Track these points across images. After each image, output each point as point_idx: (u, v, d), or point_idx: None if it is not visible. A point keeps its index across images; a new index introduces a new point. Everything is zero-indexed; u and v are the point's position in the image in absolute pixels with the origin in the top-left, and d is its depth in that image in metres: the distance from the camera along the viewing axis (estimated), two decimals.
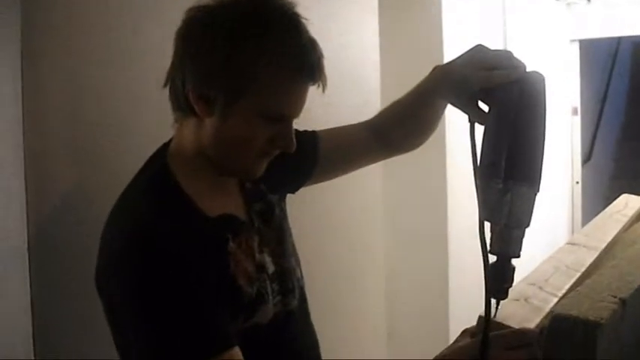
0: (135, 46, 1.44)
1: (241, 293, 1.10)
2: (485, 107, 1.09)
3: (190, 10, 1.08)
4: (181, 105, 1.09)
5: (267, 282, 1.15)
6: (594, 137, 5.58)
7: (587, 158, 5.20)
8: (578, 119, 4.33)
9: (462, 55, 1.15)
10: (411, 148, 1.44)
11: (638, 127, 6.77)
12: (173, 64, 1.10)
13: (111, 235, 1.07)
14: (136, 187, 1.13)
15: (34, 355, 1.25)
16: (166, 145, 1.18)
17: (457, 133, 2.61)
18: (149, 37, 1.45)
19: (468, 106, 1.10)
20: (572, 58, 4.12)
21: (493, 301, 0.98)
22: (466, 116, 1.09)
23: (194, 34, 1.07)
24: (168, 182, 1.10)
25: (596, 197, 5.49)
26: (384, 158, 1.52)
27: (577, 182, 4.31)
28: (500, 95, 1.03)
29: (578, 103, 4.31)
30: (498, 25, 3.30)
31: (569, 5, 3.94)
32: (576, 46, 4.12)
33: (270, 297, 1.14)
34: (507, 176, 0.97)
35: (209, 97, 1.05)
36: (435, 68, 1.23)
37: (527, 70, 1.05)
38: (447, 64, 1.19)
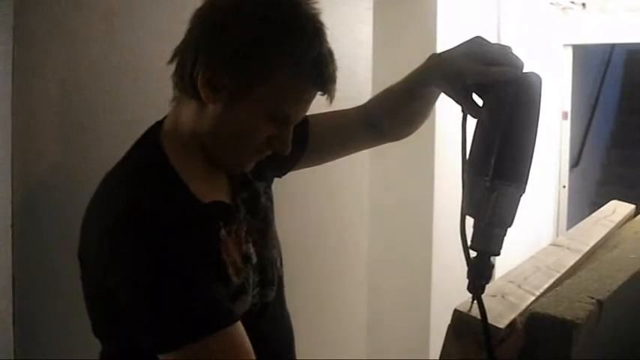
0: (131, 27, 1.43)
1: (229, 283, 1.08)
2: (479, 100, 1.08)
3: None
4: (186, 86, 1.07)
5: (251, 273, 1.15)
6: (583, 143, 5.62)
7: (575, 163, 5.24)
8: (568, 124, 4.36)
9: (459, 46, 1.13)
10: (402, 137, 1.43)
11: (626, 135, 6.83)
12: (185, 42, 1.08)
13: (101, 211, 1.05)
14: (128, 165, 1.11)
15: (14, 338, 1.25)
16: (159, 124, 1.16)
17: (447, 126, 2.62)
18: (146, 20, 1.45)
19: (461, 99, 1.08)
20: (565, 63, 4.14)
21: (470, 295, 0.99)
22: (458, 107, 1.09)
23: (217, 18, 1.05)
24: (161, 162, 1.09)
25: (582, 202, 5.54)
26: (374, 145, 1.51)
27: (564, 186, 4.33)
28: (495, 92, 1.02)
29: (568, 108, 4.33)
30: (493, 25, 3.32)
31: (564, 10, 3.96)
32: (570, 51, 4.15)
33: (250, 288, 1.14)
34: (495, 175, 0.97)
35: (219, 84, 1.04)
36: (431, 57, 1.21)
37: (525, 69, 1.04)
38: (444, 53, 1.17)
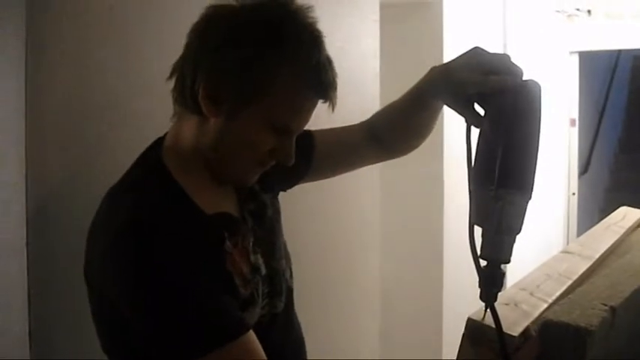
0: (141, 37, 1.44)
1: (236, 294, 1.09)
2: (481, 110, 1.08)
3: (211, 7, 1.07)
4: (187, 100, 1.07)
5: (260, 284, 1.15)
6: (592, 149, 5.60)
7: (584, 170, 5.23)
8: (575, 131, 4.35)
9: (460, 57, 1.14)
10: (407, 151, 1.44)
11: (635, 140, 6.80)
12: (184, 57, 1.09)
13: (103, 228, 1.05)
14: (129, 182, 1.11)
15: (30, 344, 1.26)
16: (160, 140, 1.16)
17: (455, 137, 2.63)
18: (155, 28, 1.45)
19: (463, 109, 1.09)
20: (572, 70, 4.14)
21: (483, 304, 0.99)
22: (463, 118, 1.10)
23: (214, 32, 1.06)
24: (163, 176, 1.09)
25: (592, 209, 5.52)
26: (380, 161, 1.52)
27: (573, 193, 4.32)
28: (495, 101, 1.03)
29: (576, 115, 4.32)
30: (499, 34, 3.32)
31: (570, 17, 3.96)
32: (576, 58, 4.15)
33: (260, 299, 1.14)
34: (500, 184, 0.97)
35: (219, 97, 1.04)
36: (432, 69, 1.22)
37: (524, 77, 1.05)
38: (445, 65, 1.18)
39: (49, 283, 1.29)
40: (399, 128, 1.37)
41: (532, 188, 0.99)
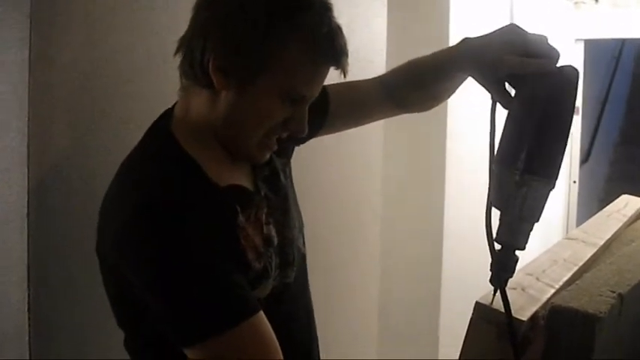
0: (148, 16, 1.42)
1: (249, 268, 1.08)
2: (511, 90, 1.05)
3: None
4: (196, 74, 1.06)
5: (273, 256, 1.14)
6: (593, 138, 5.59)
7: (584, 159, 5.22)
8: (579, 119, 4.33)
9: (495, 33, 1.10)
10: (422, 110, 1.42)
11: (636, 131, 6.79)
12: (192, 30, 1.07)
13: (117, 205, 1.04)
14: (141, 157, 1.10)
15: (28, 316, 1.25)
16: (169, 111, 1.15)
17: (458, 123, 2.62)
18: (166, 9, 1.44)
19: (494, 88, 1.06)
20: (577, 58, 4.11)
21: (492, 288, 0.98)
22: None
23: (223, 1, 1.04)
24: (174, 150, 1.08)
25: (591, 198, 5.52)
26: (394, 115, 1.49)
27: (574, 182, 4.31)
28: (530, 85, 1.00)
29: (579, 103, 4.30)
30: (505, 20, 3.30)
31: (576, 4, 3.93)
32: (581, 46, 4.12)
33: (273, 272, 1.13)
34: (526, 169, 0.95)
35: (231, 68, 1.03)
36: (465, 40, 1.18)
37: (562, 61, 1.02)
38: (478, 39, 1.14)
39: (49, 253, 1.28)
40: (418, 90, 1.35)
41: (557, 177, 0.97)
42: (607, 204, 1.74)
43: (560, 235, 3.99)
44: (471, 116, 2.27)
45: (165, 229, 0.96)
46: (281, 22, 1.01)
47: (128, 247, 0.99)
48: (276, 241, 1.15)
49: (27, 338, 1.24)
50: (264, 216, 1.14)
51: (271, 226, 1.15)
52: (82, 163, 1.34)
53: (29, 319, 1.25)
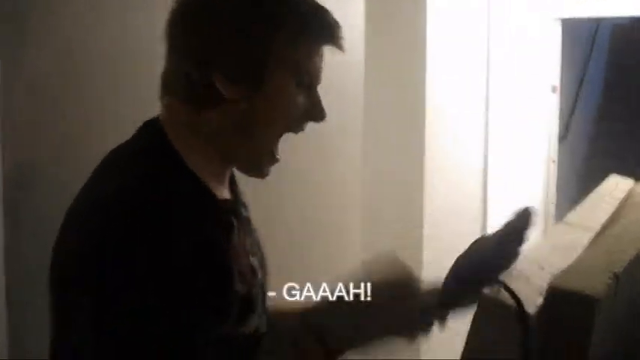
0: (124, 15, 1.41)
1: (236, 293, 1.04)
2: None
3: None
4: (198, 94, 1.04)
5: (257, 286, 1.12)
6: (571, 116, 5.62)
7: (562, 135, 5.25)
8: (556, 97, 4.36)
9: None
10: None
11: (613, 108, 6.85)
12: (175, 51, 1.07)
13: (95, 209, 0.97)
14: (125, 157, 1.05)
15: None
16: (154, 121, 1.11)
17: (438, 118, 2.64)
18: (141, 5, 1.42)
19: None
20: (555, 37, 4.13)
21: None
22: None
23: (201, 12, 1.04)
24: (167, 152, 1.04)
25: (569, 175, 5.56)
26: None
27: (553, 161, 4.34)
28: None
29: (557, 82, 4.33)
30: (483, 1, 3.32)
31: None
32: (559, 25, 4.14)
33: (259, 303, 1.11)
34: None
35: (237, 74, 1.03)
36: None
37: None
38: None
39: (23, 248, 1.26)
40: None
41: None
42: (587, 181, 1.77)
43: (540, 213, 4.01)
44: (451, 110, 2.28)
45: (152, 239, 0.94)
46: (270, 11, 1.04)
47: (107, 257, 0.94)
48: (260, 274, 1.13)
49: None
50: (247, 239, 1.12)
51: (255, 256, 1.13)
52: (59, 163, 1.31)
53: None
